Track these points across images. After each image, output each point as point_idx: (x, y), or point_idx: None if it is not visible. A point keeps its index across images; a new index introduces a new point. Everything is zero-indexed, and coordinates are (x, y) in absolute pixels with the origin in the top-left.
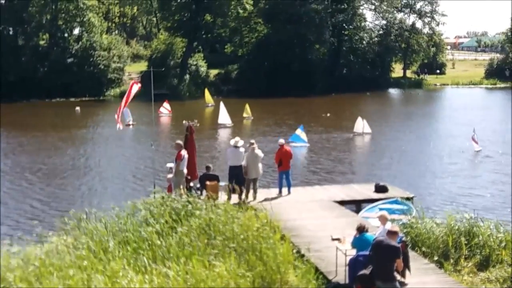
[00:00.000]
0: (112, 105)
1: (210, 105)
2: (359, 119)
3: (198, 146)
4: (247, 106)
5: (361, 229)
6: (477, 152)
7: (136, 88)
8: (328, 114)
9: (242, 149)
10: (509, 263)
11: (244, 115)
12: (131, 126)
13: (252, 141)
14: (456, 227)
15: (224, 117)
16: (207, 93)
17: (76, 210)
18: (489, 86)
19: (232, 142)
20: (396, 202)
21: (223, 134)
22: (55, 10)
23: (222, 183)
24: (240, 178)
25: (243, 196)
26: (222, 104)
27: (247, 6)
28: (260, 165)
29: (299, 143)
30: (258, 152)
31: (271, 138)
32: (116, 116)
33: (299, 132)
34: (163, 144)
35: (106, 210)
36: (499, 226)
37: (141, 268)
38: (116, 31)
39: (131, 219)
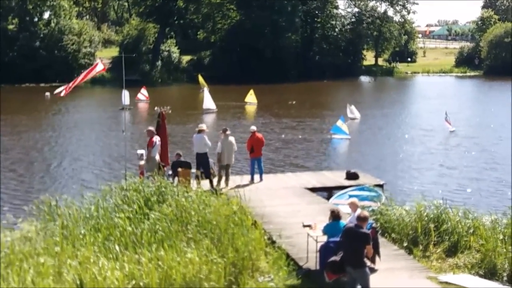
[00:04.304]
0: (83, 90)
1: (204, 89)
2: (348, 105)
3: (180, 132)
4: (252, 92)
5: (335, 216)
6: (451, 132)
7: (100, 68)
8: (294, 102)
9: (204, 135)
10: (477, 249)
11: (248, 100)
12: (127, 110)
13: (226, 128)
14: (425, 214)
15: (208, 102)
16: (200, 78)
17: (46, 196)
18: (459, 74)
19: (196, 129)
20: (365, 188)
21: (208, 119)
22: None
23: (193, 170)
24: (205, 165)
25: (215, 183)
26: (206, 90)
27: None
28: (233, 152)
29: (340, 134)
30: (232, 139)
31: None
32: (69, 85)
33: (340, 123)
34: (139, 131)
35: (76, 196)
36: (468, 213)
37: (112, 254)
38: (87, 16)
39: (103, 204)
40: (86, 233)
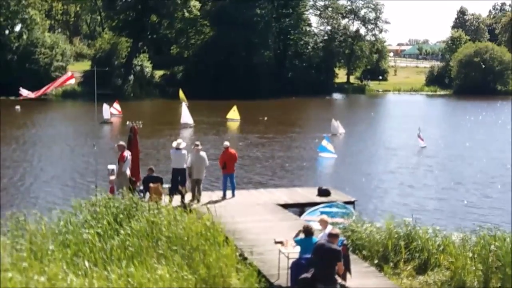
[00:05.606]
0: (54, 104)
1: (183, 104)
2: (333, 121)
3: (152, 147)
4: (235, 108)
5: (308, 232)
6: (422, 148)
7: (71, 81)
8: (266, 118)
9: (184, 151)
10: (446, 267)
11: (230, 116)
12: (107, 123)
13: (197, 142)
14: (395, 231)
15: (186, 117)
16: (181, 93)
17: (14, 211)
18: (430, 93)
19: (174, 144)
20: (335, 205)
21: (185, 134)
22: None
23: (165, 185)
24: (182, 181)
25: (187, 199)
26: (184, 105)
27: (194, 10)
28: (204, 167)
29: (327, 153)
30: (203, 154)
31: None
32: (38, 91)
33: (325, 143)
34: (111, 145)
35: (45, 211)
36: (437, 231)
37: (81, 271)
38: (59, 29)
39: (72, 219)
40: (54, 248)
